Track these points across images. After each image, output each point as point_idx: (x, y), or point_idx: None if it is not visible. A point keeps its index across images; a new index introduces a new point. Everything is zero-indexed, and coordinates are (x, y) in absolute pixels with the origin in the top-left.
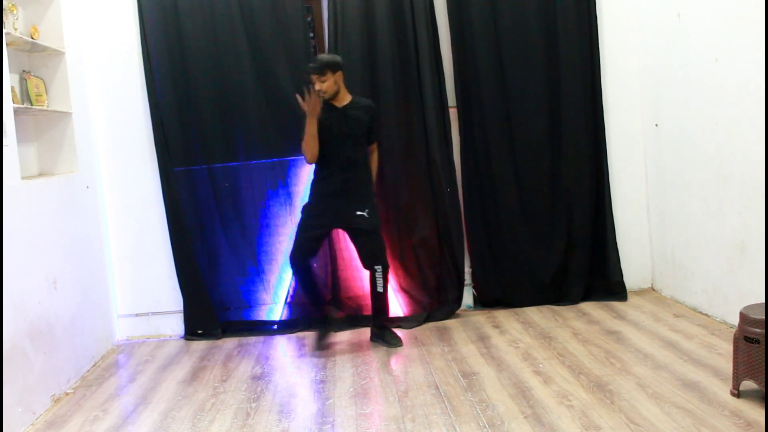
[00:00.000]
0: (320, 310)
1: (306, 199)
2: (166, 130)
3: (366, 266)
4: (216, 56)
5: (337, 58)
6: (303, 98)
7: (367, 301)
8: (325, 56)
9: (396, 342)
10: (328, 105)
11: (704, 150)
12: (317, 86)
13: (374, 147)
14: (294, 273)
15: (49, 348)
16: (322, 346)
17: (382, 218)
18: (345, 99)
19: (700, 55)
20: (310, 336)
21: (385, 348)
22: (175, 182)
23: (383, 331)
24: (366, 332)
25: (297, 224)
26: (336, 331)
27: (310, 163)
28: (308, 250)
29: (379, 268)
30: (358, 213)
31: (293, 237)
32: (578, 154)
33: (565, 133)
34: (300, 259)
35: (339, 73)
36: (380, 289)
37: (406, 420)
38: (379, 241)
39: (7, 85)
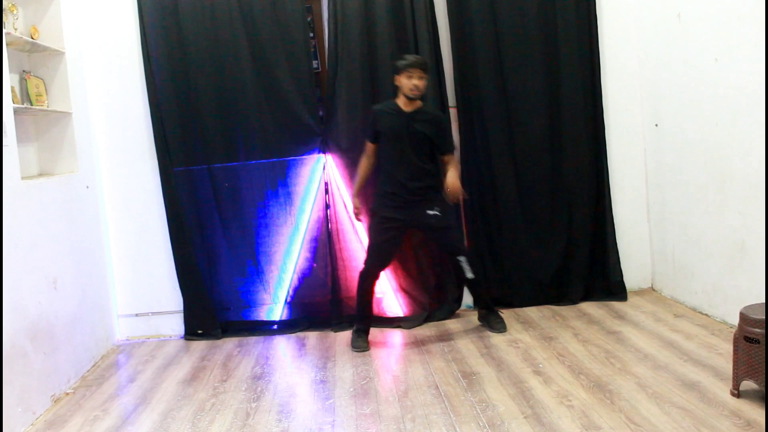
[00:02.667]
0: (364, 331)
1: (373, 204)
2: (166, 130)
3: (448, 257)
4: (216, 56)
5: None
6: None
7: None
8: (417, 56)
9: (500, 327)
10: (396, 109)
11: (704, 150)
12: (418, 83)
13: (449, 158)
14: (360, 289)
15: (49, 348)
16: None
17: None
18: (414, 104)
19: (700, 55)
20: (310, 336)
21: (489, 332)
22: (175, 182)
23: (489, 313)
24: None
25: (370, 231)
26: (336, 332)
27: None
28: (385, 255)
29: (462, 258)
30: (429, 212)
31: (368, 247)
32: (578, 154)
33: (565, 133)
34: (375, 269)
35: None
36: (469, 275)
37: (406, 420)
38: (454, 235)
39: (7, 85)
